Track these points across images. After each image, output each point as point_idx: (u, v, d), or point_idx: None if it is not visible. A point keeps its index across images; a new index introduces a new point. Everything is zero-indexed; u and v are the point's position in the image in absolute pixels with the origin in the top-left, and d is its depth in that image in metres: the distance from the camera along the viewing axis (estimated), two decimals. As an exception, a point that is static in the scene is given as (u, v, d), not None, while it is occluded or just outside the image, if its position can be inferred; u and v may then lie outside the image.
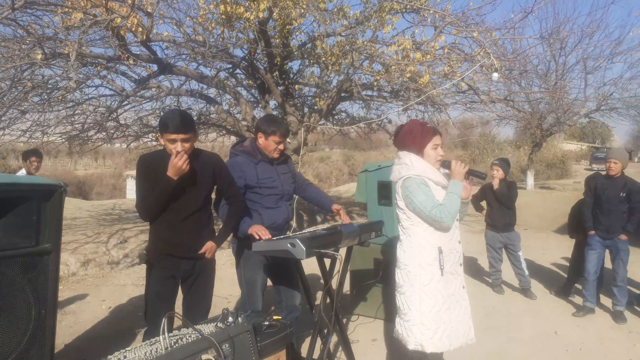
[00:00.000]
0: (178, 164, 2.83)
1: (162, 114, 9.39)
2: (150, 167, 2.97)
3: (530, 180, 18.05)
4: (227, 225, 3.31)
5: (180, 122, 2.95)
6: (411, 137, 2.91)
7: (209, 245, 3.16)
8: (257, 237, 3.12)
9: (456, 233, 2.95)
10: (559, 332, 4.59)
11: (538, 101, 14.95)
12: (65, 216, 8.88)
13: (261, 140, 3.54)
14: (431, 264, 2.80)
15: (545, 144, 19.77)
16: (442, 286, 2.80)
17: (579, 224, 5.41)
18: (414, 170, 2.83)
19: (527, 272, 5.74)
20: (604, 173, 5.08)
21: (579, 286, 5.69)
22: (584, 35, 14.07)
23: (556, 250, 7.92)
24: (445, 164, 2.95)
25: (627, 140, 64.08)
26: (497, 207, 5.77)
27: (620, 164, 4.87)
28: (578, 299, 5.44)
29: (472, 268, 7.06)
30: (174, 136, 2.87)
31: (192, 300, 3.22)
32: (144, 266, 3.26)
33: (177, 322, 2.93)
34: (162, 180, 2.89)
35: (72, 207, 12.42)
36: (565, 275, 6.01)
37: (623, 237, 4.83)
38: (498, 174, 5.68)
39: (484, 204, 6.01)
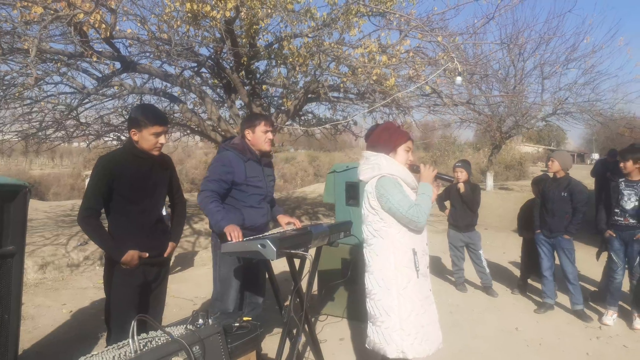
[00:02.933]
0: (132, 263, 2.88)
1: (125, 112, 9.17)
2: (111, 171, 2.87)
3: (489, 181, 18.55)
4: (180, 224, 3.40)
5: (163, 115, 2.98)
6: (386, 135, 2.90)
7: (172, 245, 3.21)
8: (229, 238, 3.11)
9: (425, 234, 2.94)
10: (519, 328, 4.75)
11: (498, 105, 15.40)
12: (22, 217, 8.46)
13: (249, 135, 3.58)
14: (407, 265, 2.75)
15: (504, 146, 20.35)
16: (417, 289, 2.76)
17: (527, 222, 5.68)
18: (386, 169, 2.81)
19: (488, 270, 5.92)
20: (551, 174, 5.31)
21: (534, 283, 5.91)
22: (541, 42, 14.56)
23: (516, 249, 8.11)
24: (413, 168, 2.97)
25: (580, 144, 66.77)
26: (460, 207, 5.93)
27: (557, 163, 5.10)
28: (534, 296, 5.65)
29: (435, 267, 7.21)
30: (161, 129, 2.88)
31: (152, 303, 3.18)
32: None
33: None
34: (121, 184, 2.86)
35: (29, 208, 11.96)
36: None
37: (566, 236, 5.04)
38: (462, 175, 5.85)
39: (447, 204, 6.16)
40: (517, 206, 6.33)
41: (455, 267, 6.11)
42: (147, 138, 2.88)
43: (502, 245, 8.87)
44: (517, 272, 6.62)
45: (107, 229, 2.96)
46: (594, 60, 15.79)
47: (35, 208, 12.10)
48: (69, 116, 8.23)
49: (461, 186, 5.83)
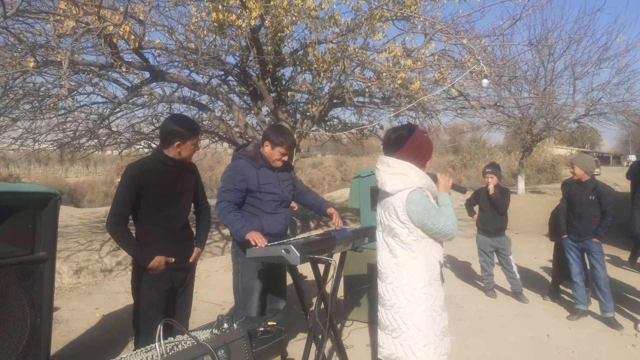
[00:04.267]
0: (159, 268, 2.98)
1: (155, 120, 9.39)
2: (139, 179, 2.95)
3: (521, 184, 18.19)
4: (205, 230, 3.48)
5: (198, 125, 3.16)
6: (422, 153, 2.72)
7: (198, 250, 3.29)
8: (253, 244, 3.13)
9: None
10: (551, 334, 4.64)
11: (527, 106, 15.11)
12: (57, 224, 8.70)
13: (267, 149, 3.58)
14: (436, 279, 2.68)
15: (535, 148, 19.93)
16: (439, 302, 2.71)
17: (558, 227, 5.53)
18: (415, 181, 2.62)
19: (518, 276, 5.79)
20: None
21: (566, 289, 5.76)
22: (571, 42, 14.25)
23: (547, 254, 7.95)
24: (430, 177, 2.80)
25: (616, 145, 64.84)
26: (490, 211, 5.83)
27: (578, 168, 4.96)
28: (566, 302, 5.51)
29: (465, 272, 7.11)
30: (197, 139, 3.07)
31: (179, 307, 3.25)
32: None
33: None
34: (149, 192, 2.95)
35: (63, 215, 12.30)
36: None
37: (595, 240, 4.90)
38: (493, 180, 5.75)
39: (476, 208, 6.07)
40: (548, 210, 6.19)
41: (484, 273, 6.00)
42: (189, 148, 3.05)
43: (533, 250, 8.68)
44: (548, 278, 6.47)
45: (134, 235, 3.04)
46: (627, 59, 15.44)
47: (71, 215, 12.46)
48: (101, 125, 8.49)
49: (491, 188, 5.74)
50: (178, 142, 3.00)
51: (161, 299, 3.06)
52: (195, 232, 3.41)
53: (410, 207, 2.59)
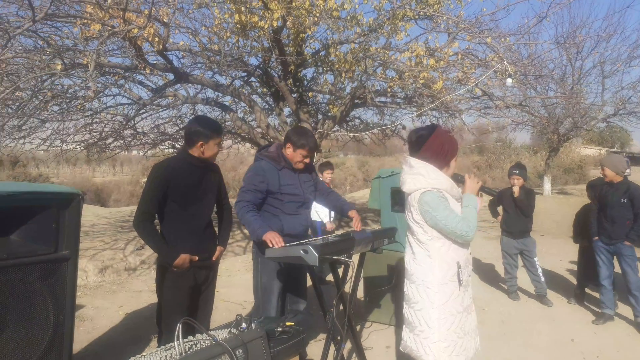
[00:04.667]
0: (184, 266, 3.04)
1: (179, 121, 9.51)
2: (165, 178, 3.03)
3: (547, 185, 17.83)
4: (227, 229, 3.54)
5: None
6: (443, 152, 2.72)
7: (220, 249, 3.35)
8: (270, 245, 3.15)
9: (469, 244, 2.85)
10: (575, 339, 4.54)
11: (554, 106, 14.81)
12: (83, 223, 8.95)
13: (289, 150, 3.59)
14: (451, 279, 2.69)
15: (562, 148, 19.52)
16: (459, 302, 2.71)
17: (583, 229, 5.39)
18: (430, 182, 2.65)
19: (543, 279, 5.68)
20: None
21: (592, 292, 5.63)
22: (600, 40, 13.92)
23: (573, 257, 7.78)
24: (458, 178, 2.83)
25: (648, 145, 62.98)
26: (514, 213, 5.72)
27: (609, 170, 4.82)
28: (592, 306, 5.39)
29: (488, 274, 7.01)
30: (220, 139, 3.16)
31: (202, 305, 3.31)
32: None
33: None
34: (175, 191, 3.00)
35: (90, 214, 12.61)
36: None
37: (627, 243, 4.77)
38: (518, 182, 5.64)
39: (500, 209, 5.97)
40: (575, 211, 6.05)
41: (507, 275, 5.90)
42: (212, 148, 3.12)
43: (559, 252, 8.51)
44: (573, 281, 6.33)
45: (160, 233, 3.11)
46: (659, 57, 14.90)
47: (97, 214, 12.73)
48: (127, 126, 8.64)
49: (516, 190, 5.63)
50: (201, 142, 3.07)
51: (184, 297, 3.12)
52: (217, 231, 3.46)
53: (422, 207, 2.65)
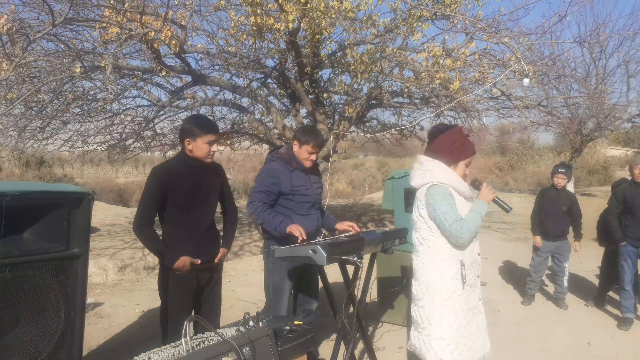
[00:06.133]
0: (185, 268, 2.99)
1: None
2: (164, 181, 2.97)
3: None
4: (231, 230, 3.49)
5: (215, 124, 3.13)
6: (451, 145, 2.77)
7: (224, 251, 3.30)
8: (297, 234, 3.22)
9: (476, 245, 2.85)
10: (592, 343, 4.46)
11: (577, 106, 14.52)
12: (104, 222, 9.15)
13: (296, 148, 3.65)
14: (453, 277, 2.71)
15: (586, 149, 19.12)
16: (463, 300, 2.72)
17: (608, 232, 5.26)
18: (438, 177, 2.72)
19: (566, 285, 5.54)
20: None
21: (613, 295, 5.51)
22: (625, 38, 13.60)
23: (594, 259, 7.62)
24: (475, 184, 2.88)
25: (676, 145, 61.25)
26: (553, 214, 5.59)
27: None
28: (612, 309, 5.27)
29: (505, 276, 6.92)
30: (214, 137, 3.00)
31: (208, 308, 3.28)
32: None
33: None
34: (175, 193, 2.96)
35: (112, 213, 12.83)
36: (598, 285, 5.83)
37: None
38: (563, 181, 5.58)
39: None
40: (598, 213, 5.93)
41: (529, 278, 5.72)
42: (201, 147, 2.98)
43: (580, 255, 8.23)
44: (592, 284, 6.21)
45: (160, 236, 3.09)
46: (687, 55, 14.50)
47: (119, 214, 12.94)
48: (146, 127, 8.78)
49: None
50: (187, 140, 2.98)
51: (187, 299, 3.12)
52: (222, 233, 3.45)
53: (427, 200, 2.73)
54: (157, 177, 2.98)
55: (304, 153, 3.61)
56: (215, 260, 3.24)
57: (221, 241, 3.38)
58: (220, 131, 3.13)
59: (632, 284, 4.87)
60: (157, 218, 3.10)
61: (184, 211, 3.05)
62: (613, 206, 5.04)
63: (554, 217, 5.58)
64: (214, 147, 3.03)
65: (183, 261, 2.96)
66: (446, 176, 2.73)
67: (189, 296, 3.13)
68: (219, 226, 3.40)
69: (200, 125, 2.98)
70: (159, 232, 3.11)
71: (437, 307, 2.71)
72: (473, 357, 2.73)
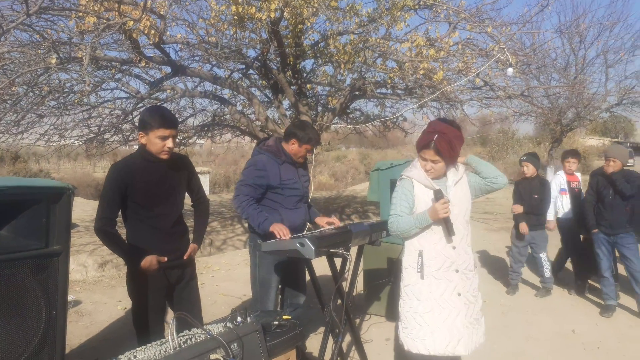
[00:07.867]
0: (152, 268, 2.84)
1: (178, 115, 9.44)
2: (123, 179, 2.81)
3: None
4: (201, 224, 3.33)
5: (173, 116, 2.89)
6: (421, 135, 2.89)
7: (193, 247, 3.16)
8: (278, 236, 3.14)
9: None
10: (576, 330, 4.51)
11: (557, 96, 14.70)
12: (83, 218, 8.93)
13: (294, 146, 3.55)
14: (411, 265, 2.85)
15: (565, 139, 19.41)
16: (423, 290, 2.78)
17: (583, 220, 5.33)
18: (407, 172, 2.88)
19: (548, 275, 5.58)
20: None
21: (593, 283, 5.59)
22: (603, 28, 13.77)
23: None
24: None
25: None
26: (528, 203, 5.59)
27: (620, 162, 4.77)
28: (595, 297, 5.35)
29: (489, 267, 6.98)
30: (168, 132, 2.78)
31: (187, 305, 3.13)
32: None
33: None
34: (135, 191, 2.81)
35: (90, 209, 12.58)
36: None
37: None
38: (527, 169, 5.56)
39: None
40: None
41: (510, 269, 5.80)
42: (153, 141, 2.78)
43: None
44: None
45: (125, 236, 2.93)
46: (663, 46, 14.76)
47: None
48: (125, 120, 8.58)
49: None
50: (141, 133, 2.79)
51: (159, 299, 2.99)
52: (194, 228, 3.29)
53: None
54: (115, 175, 2.79)
55: (302, 151, 3.56)
56: (185, 257, 3.06)
57: (191, 237, 3.22)
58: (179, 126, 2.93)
59: (611, 270, 4.94)
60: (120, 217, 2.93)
61: (147, 209, 2.87)
62: (588, 195, 5.10)
63: (528, 206, 5.58)
64: (169, 143, 2.80)
65: (149, 260, 2.80)
66: (412, 171, 2.85)
67: (161, 296, 2.99)
68: (190, 222, 3.20)
69: (153, 118, 2.76)
70: (123, 232, 2.93)
71: (401, 291, 2.91)
72: (436, 349, 2.71)
